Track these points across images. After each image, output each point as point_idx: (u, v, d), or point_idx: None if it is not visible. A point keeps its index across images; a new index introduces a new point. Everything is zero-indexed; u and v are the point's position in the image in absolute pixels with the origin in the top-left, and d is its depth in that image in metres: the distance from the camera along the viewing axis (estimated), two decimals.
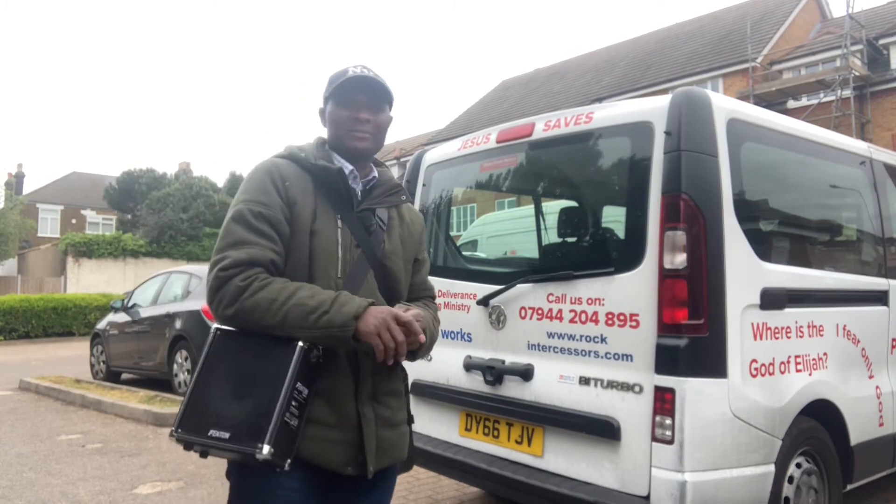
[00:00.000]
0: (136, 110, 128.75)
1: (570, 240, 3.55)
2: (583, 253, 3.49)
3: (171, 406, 7.12)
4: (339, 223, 1.72)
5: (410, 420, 1.91)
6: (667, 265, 2.75)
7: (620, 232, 3.11)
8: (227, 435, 1.49)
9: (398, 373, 1.82)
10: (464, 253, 4.88)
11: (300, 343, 1.55)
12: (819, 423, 3.20)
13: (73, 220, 38.87)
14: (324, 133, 1.87)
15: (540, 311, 3.23)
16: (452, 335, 3.66)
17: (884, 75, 18.97)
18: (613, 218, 3.24)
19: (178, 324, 8.40)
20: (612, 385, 2.91)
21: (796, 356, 3.09)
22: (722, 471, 2.70)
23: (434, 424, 3.69)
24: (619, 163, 3.16)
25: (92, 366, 10.56)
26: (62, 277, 27.52)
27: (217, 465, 5.09)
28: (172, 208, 29.36)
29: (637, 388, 2.81)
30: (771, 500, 2.86)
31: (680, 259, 2.72)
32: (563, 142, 3.37)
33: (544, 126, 3.40)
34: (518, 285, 3.34)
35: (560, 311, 3.15)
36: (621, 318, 2.90)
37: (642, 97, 4.06)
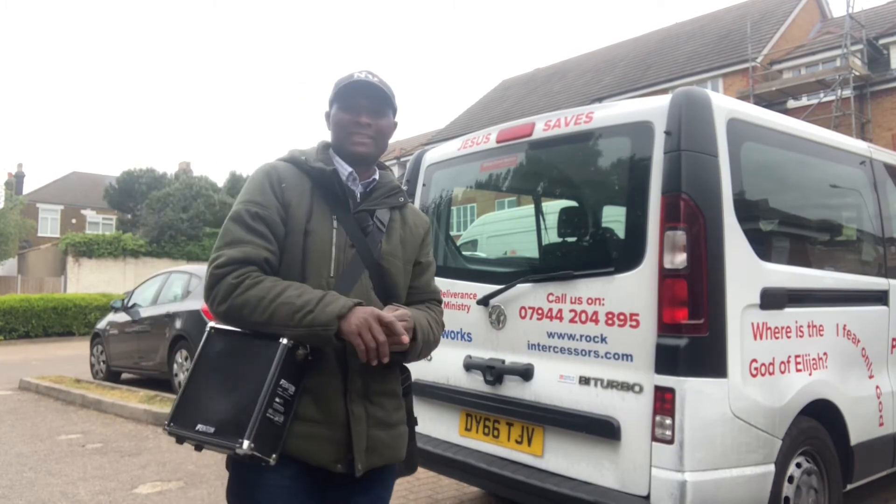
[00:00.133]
0: (136, 110, 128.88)
1: (570, 240, 3.55)
2: (583, 253, 3.49)
3: (170, 406, 7.11)
4: (334, 223, 1.75)
5: (412, 422, 1.91)
6: (667, 265, 2.75)
7: (620, 232, 3.11)
8: (212, 429, 1.54)
9: (394, 373, 1.82)
10: (464, 253, 4.88)
11: (283, 340, 1.58)
12: (819, 422, 3.20)
13: (73, 220, 38.88)
14: (328, 136, 1.89)
15: (540, 311, 3.23)
16: (452, 335, 3.66)
17: (884, 75, 18.97)
18: (613, 218, 3.24)
19: (178, 323, 8.40)
20: (612, 385, 2.91)
21: (796, 356, 3.09)
22: (722, 470, 2.70)
23: (434, 424, 3.69)
24: (619, 163, 3.16)
25: (92, 366, 10.56)
26: (62, 277, 27.53)
27: (217, 465, 5.09)
28: (172, 208, 29.36)
29: (637, 388, 2.81)
30: (771, 499, 2.86)
31: (680, 259, 2.72)
32: (563, 141, 3.37)
33: (544, 126, 3.40)
34: (518, 285, 3.34)
35: (560, 310, 3.15)
36: (621, 317, 2.90)
37: (642, 97, 4.06)
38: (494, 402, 3.38)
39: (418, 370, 3.64)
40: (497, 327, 3.44)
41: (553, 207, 3.89)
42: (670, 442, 2.65)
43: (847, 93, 18.27)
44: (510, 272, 3.66)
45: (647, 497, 2.70)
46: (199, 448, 1.60)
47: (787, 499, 2.99)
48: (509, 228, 5.57)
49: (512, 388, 3.31)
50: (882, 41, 19.68)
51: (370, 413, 1.73)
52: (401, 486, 4.51)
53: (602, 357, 2.97)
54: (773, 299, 2.97)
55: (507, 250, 5.48)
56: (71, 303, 19.21)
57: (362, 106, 1.79)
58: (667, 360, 2.71)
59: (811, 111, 18.27)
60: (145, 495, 4.54)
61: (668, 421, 2.67)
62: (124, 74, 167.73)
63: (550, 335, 3.18)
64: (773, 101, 19.07)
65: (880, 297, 3.80)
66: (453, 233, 4.68)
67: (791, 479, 3.03)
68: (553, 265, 3.59)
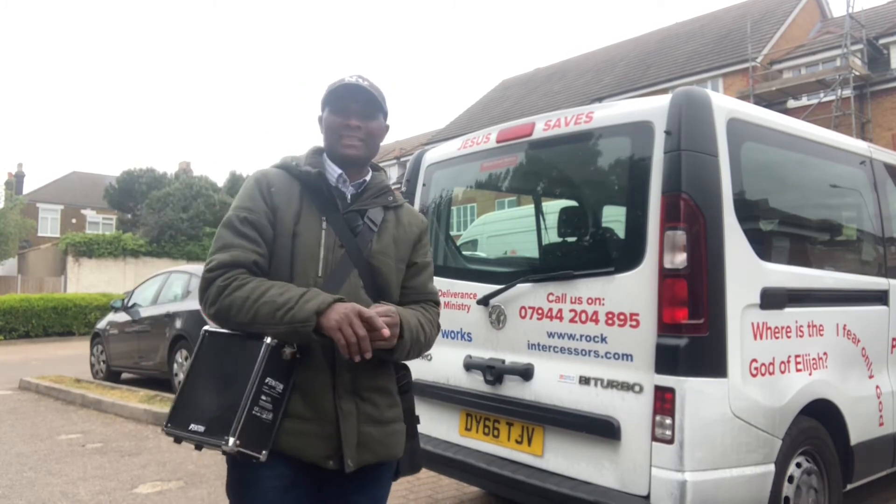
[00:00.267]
0: (136, 110, 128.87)
1: (570, 239, 3.55)
2: (583, 252, 3.49)
3: (170, 406, 7.11)
4: (323, 225, 1.78)
5: (414, 421, 1.91)
6: (667, 265, 2.75)
7: (620, 231, 3.11)
8: (202, 428, 1.58)
9: (385, 370, 1.82)
10: (464, 252, 4.88)
11: (267, 339, 1.61)
12: (819, 422, 3.20)
13: (73, 220, 38.87)
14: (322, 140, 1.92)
15: (540, 311, 3.23)
16: (452, 335, 3.67)
17: (884, 75, 18.97)
18: (613, 217, 3.24)
19: (178, 323, 8.40)
20: (612, 385, 2.91)
21: (796, 356, 3.09)
22: (722, 470, 2.70)
23: (434, 424, 3.70)
24: (619, 162, 3.16)
25: (92, 365, 10.56)
26: (62, 277, 27.53)
27: (217, 465, 5.09)
28: (172, 208, 29.36)
29: (637, 388, 2.81)
30: (771, 499, 2.86)
31: (680, 259, 2.72)
32: (563, 141, 3.37)
33: (544, 126, 3.40)
34: (518, 285, 3.34)
35: (560, 310, 3.15)
36: (621, 317, 2.90)
37: (642, 97, 4.06)
38: (494, 401, 3.38)
39: (418, 370, 3.64)
40: (497, 327, 3.44)
41: (553, 207, 3.89)
42: (670, 442, 2.66)
43: (847, 93, 18.27)
44: (510, 272, 3.66)
45: (647, 497, 2.70)
46: (199, 447, 1.62)
47: (787, 499, 2.99)
48: (509, 228, 5.58)
49: (512, 388, 3.31)
50: (882, 41, 19.69)
51: (361, 409, 1.73)
52: (401, 485, 4.52)
53: (602, 357, 2.97)
54: (773, 299, 2.97)
55: (507, 250, 5.49)
56: (71, 303, 19.21)
57: (352, 109, 1.81)
58: (667, 360, 2.72)
59: (811, 111, 18.27)
60: (145, 495, 4.54)
61: (668, 421, 2.67)
62: (124, 74, 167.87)
63: (550, 335, 3.18)
64: (773, 101, 19.07)
65: (880, 297, 3.80)
66: (453, 233, 4.68)
67: (791, 479, 3.03)
68: (553, 265, 3.59)
